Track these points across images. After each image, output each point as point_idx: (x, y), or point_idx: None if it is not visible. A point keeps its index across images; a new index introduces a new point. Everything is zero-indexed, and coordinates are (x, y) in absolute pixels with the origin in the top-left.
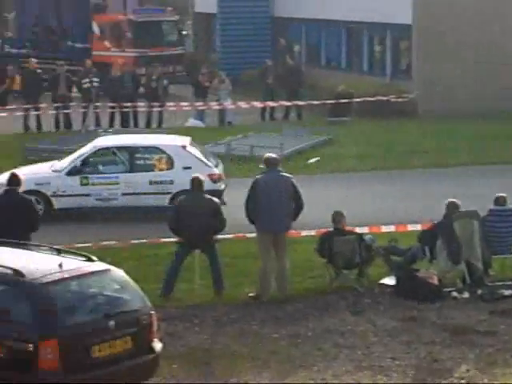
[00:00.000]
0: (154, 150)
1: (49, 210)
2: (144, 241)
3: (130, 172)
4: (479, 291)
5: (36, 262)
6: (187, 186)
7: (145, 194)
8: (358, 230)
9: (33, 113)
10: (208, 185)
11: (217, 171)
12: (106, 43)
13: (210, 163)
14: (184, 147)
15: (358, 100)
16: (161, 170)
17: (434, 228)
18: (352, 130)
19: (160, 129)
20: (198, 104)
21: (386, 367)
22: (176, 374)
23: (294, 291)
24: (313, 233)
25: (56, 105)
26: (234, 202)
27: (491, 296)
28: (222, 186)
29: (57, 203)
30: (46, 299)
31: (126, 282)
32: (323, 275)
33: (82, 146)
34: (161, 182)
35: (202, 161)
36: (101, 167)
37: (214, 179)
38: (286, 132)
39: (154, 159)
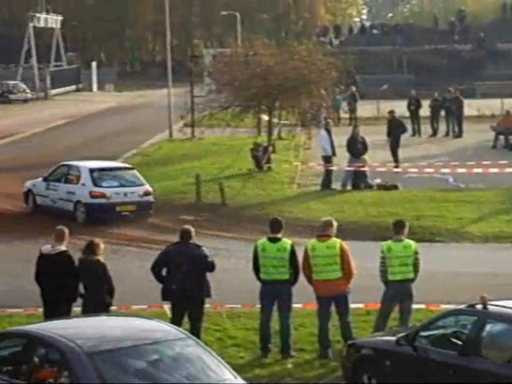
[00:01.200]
0: (76, 168)
1: (36, 205)
2: None
3: (63, 183)
4: None
5: None
6: (82, 199)
7: (64, 200)
8: None
9: None
10: (87, 199)
11: (98, 190)
12: None
13: (104, 184)
14: (92, 170)
15: None
16: (73, 183)
17: None
18: None
19: None
20: None
21: None
22: None
23: None
24: None
25: None
26: None
27: None
28: (102, 201)
29: (38, 200)
30: None
31: None
32: None
33: None
34: (70, 193)
35: (92, 181)
36: (57, 177)
37: (93, 195)
38: None
39: (73, 175)
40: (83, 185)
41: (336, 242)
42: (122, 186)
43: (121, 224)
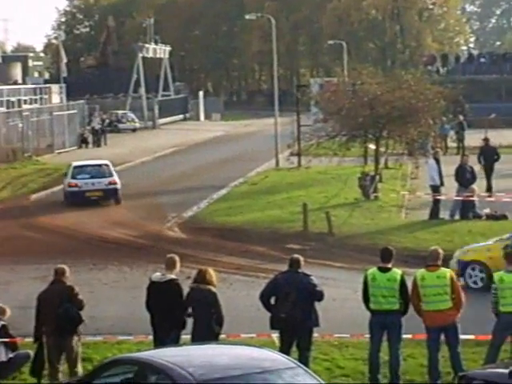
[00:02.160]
0: (71, 166)
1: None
2: None
3: (67, 178)
4: None
5: None
6: (65, 188)
7: (64, 189)
8: None
9: None
10: (67, 188)
11: (73, 181)
12: None
13: (79, 176)
14: (75, 167)
15: None
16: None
17: None
18: None
19: None
20: None
21: None
22: None
23: None
24: None
25: None
26: None
27: None
28: (75, 189)
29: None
30: None
31: None
32: None
33: None
34: (64, 184)
35: (72, 175)
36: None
37: (69, 185)
38: None
39: (68, 171)
40: (67, 178)
41: (446, 271)
42: (92, 177)
43: (228, 253)
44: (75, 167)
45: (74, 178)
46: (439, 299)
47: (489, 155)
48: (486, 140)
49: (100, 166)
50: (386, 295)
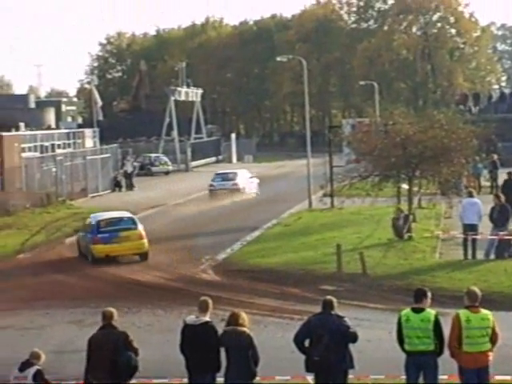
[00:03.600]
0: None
1: None
2: None
3: None
4: None
5: None
6: (208, 187)
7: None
8: None
9: None
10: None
11: (213, 183)
12: None
13: (216, 180)
14: (216, 174)
15: None
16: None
17: None
18: None
19: None
20: None
21: None
22: None
23: None
24: None
25: None
26: None
27: None
28: (212, 188)
29: None
30: None
31: None
32: None
33: None
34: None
35: (213, 179)
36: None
37: (210, 185)
38: None
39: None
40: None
41: (488, 313)
42: (222, 180)
43: (262, 295)
44: (216, 174)
45: (213, 180)
46: (483, 341)
47: (510, 188)
48: (509, 174)
49: (228, 173)
50: (420, 336)
